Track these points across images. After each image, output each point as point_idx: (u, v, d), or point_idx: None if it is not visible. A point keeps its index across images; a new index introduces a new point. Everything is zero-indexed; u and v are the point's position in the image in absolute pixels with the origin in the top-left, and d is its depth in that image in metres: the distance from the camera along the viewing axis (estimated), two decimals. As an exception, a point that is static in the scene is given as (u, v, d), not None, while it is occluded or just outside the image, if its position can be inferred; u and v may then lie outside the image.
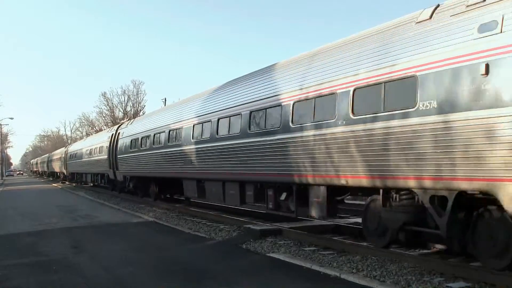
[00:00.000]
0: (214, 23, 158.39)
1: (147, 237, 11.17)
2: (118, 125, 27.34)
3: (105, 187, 30.64)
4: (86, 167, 34.61)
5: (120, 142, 23.56)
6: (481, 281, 6.11)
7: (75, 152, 40.67)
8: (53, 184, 47.38)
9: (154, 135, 18.14)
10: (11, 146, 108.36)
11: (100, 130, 63.20)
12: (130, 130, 22.62)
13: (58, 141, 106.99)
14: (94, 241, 10.65)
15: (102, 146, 28.14)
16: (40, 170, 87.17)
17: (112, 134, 25.98)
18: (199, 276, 7.03)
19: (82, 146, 37.54)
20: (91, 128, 78.27)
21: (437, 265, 6.90)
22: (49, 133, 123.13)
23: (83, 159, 35.46)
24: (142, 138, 19.83)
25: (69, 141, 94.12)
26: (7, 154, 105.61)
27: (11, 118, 67.47)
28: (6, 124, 73.29)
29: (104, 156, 26.94)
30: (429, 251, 8.37)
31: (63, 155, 48.86)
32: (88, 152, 33.21)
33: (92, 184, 36.04)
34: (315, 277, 6.77)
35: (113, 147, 24.82)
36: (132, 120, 25.66)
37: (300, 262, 7.72)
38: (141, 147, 19.80)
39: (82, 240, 10.73)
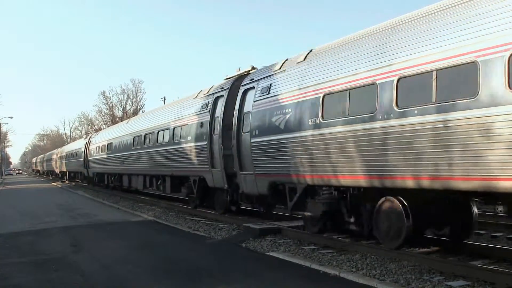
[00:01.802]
0: (215, 21, 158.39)
1: (146, 236, 11.16)
2: (233, 77, 13.58)
3: (176, 198, 19.37)
4: (131, 166, 21.74)
5: (258, 109, 11.01)
6: (480, 279, 6.12)
7: (105, 143, 27.63)
8: (53, 183, 47.34)
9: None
10: (11, 145, 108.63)
11: (100, 129, 62.35)
12: (315, 74, 9.27)
13: (58, 140, 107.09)
14: (93, 240, 10.65)
15: (180, 127, 15.75)
16: (41, 170, 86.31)
17: (216, 99, 13.48)
18: (198, 275, 7.03)
19: (122, 132, 24.31)
20: (91, 127, 78.33)
21: (436, 263, 6.91)
22: (48, 132, 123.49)
23: (124, 153, 22.85)
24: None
25: (68, 140, 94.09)
26: (6, 153, 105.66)
27: (11, 117, 67.64)
28: (6, 123, 73.72)
29: (188, 144, 14.78)
30: (428, 249, 8.38)
31: (81, 150, 36.20)
32: (137, 140, 20.66)
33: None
34: (315, 276, 6.77)
35: (229, 125, 12.33)
36: (311, 51, 10.07)
37: (299, 261, 7.72)
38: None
39: (81, 239, 10.72)
